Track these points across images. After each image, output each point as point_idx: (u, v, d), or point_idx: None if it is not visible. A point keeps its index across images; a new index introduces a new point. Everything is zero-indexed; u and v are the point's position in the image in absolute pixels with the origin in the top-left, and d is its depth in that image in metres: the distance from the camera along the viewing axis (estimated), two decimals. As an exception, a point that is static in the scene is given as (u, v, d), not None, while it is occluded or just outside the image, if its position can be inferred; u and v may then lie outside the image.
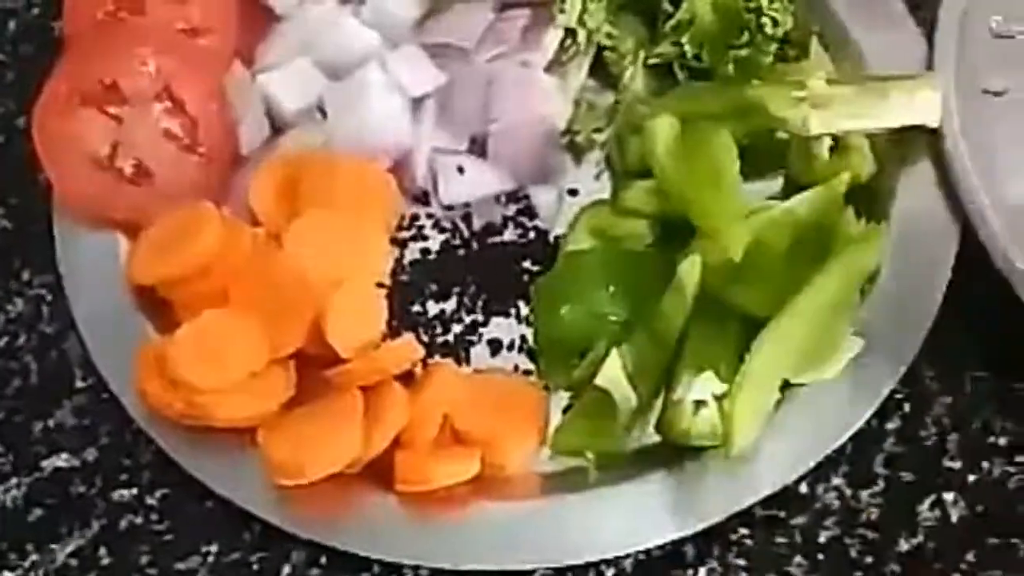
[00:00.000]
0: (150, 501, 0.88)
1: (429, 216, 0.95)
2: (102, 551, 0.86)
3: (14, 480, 0.89)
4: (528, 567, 0.82)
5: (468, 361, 0.90)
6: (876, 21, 0.96)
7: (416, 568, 0.84)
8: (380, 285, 0.90)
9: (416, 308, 0.92)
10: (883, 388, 0.85)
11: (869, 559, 0.84)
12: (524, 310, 0.91)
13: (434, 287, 0.93)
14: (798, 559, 0.84)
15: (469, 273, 0.93)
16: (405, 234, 0.94)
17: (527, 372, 0.90)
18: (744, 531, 0.84)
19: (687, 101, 0.93)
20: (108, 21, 0.95)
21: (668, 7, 0.95)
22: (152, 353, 0.86)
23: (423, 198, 0.95)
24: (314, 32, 0.97)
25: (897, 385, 0.85)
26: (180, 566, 0.86)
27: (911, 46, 0.95)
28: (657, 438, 0.85)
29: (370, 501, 0.84)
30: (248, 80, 0.96)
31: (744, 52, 0.94)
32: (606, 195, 0.94)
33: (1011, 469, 0.86)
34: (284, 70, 0.96)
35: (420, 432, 0.84)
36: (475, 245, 0.94)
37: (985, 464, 0.86)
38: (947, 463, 0.86)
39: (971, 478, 0.85)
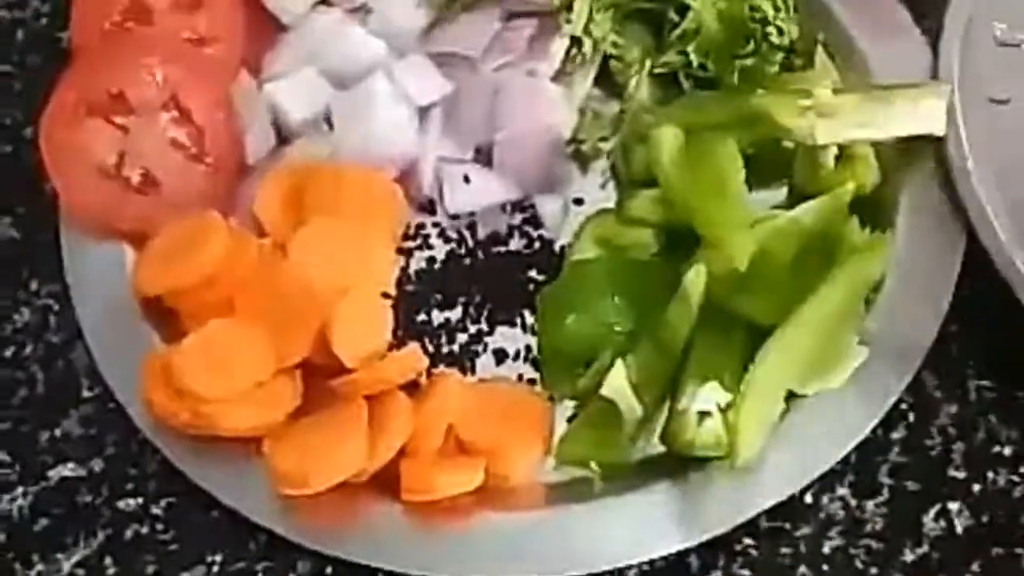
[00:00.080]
0: (156, 510, 0.87)
1: (435, 225, 0.95)
2: (108, 560, 0.86)
3: (20, 489, 0.89)
4: (532, 577, 0.83)
5: (473, 371, 0.90)
6: (881, 30, 0.96)
7: (421, 578, 0.84)
8: (385, 294, 0.90)
9: (421, 317, 0.92)
10: (889, 397, 0.85)
11: (874, 569, 0.83)
12: (529, 319, 0.91)
13: (439, 296, 0.92)
14: (803, 569, 0.83)
15: (474, 282, 0.93)
16: (411, 243, 0.94)
17: (532, 382, 0.89)
18: (749, 541, 0.84)
19: (692, 110, 0.93)
20: (115, 31, 0.96)
21: (674, 16, 0.95)
22: (158, 363, 0.86)
23: (429, 207, 0.95)
24: (321, 41, 0.97)
25: (902, 395, 0.85)
26: (185, 575, 0.86)
27: (916, 55, 0.95)
28: (662, 448, 0.85)
29: (375, 511, 0.84)
30: (255, 89, 0.97)
31: (749, 61, 0.94)
32: (611, 204, 0.94)
33: (1016, 479, 0.85)
34: (291, 79, 0.97)
35: (425, 442, 0.84)
36: (480, 254, 0.94)
37: (990, 474, 0.86)
38: (952, 473, 0.86)
39: (976, 488, 0.85)
